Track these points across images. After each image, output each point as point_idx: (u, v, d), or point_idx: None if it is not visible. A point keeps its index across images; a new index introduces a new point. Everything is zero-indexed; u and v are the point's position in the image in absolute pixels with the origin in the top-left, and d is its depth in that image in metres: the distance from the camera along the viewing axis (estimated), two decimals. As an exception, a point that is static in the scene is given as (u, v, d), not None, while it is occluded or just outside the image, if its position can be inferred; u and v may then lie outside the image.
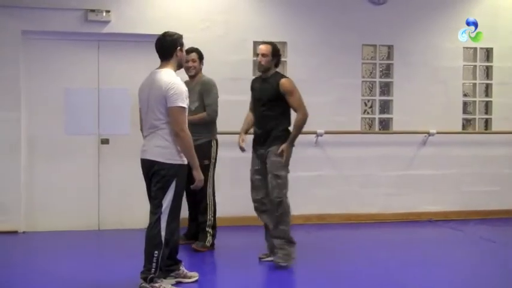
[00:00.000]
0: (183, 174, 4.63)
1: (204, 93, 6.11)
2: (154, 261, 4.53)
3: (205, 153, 6.05)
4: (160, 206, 4.56)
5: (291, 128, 5.54)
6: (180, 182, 4.60)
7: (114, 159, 7.25)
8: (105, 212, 7.31)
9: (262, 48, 5.54)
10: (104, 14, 7.14)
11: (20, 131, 7.08)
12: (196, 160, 4.66)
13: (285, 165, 5.42)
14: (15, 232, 7.02)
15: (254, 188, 5.60)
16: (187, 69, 6.09)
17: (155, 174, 4.61)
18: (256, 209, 5.62)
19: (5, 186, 7.00)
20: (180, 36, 4.75)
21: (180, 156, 4.60)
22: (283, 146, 5.36)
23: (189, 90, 5.68)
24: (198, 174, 4.68)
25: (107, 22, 7.19)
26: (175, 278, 4.92)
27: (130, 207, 7.22)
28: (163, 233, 4.54)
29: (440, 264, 5.77)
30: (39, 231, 7.09)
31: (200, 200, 6.12)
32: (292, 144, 5.44)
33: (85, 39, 7.27)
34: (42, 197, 7.18)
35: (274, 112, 5.46)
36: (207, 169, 6.03)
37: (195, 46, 6.25)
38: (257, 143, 5.59)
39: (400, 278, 5.26)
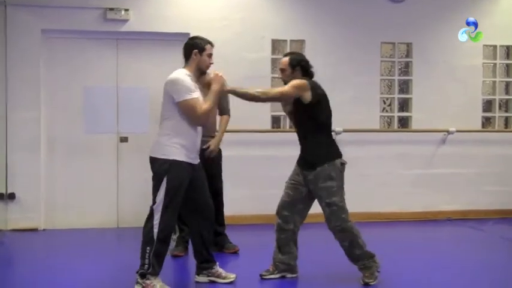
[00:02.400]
0: (177, 171, 4.55)
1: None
2: (147, 257, 4.54)
3: (220, 154, 6.02)
4: (154, 202, 4.59)
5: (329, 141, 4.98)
6: (172, 179, 4.54)
7: (133, 157, 7.28)
8: (124, 209, 7.36)
9: (280, 63, 5.03)
10: (123, 12, 7.17)
11: (40, 130, 7.15)
12: (215, 95, 4.69)
13: (338, 189, 4.82)
14: (36, 229, 7.10)
15: (286, 203, 5.01)
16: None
17: (153, 171, 4.66)
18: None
19: (25, 184, 7.07)
20: (202, 42, 4.77)
21: (174, 152, 4.56)
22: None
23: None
24: (214, 84, 4.72)
25: (125, 21, 7.22)
26: (208, 276, 4.94)
27: (149, 205, 7.24)
28: (155, 230, 4.54)
29: (463, 264, 5.72)
30: (59, 228, 7.16)
31: (218, 204, 5.88)
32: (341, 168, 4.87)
33: (104, 38, 7.32)
34: (62, 194, 7.24)
35: (307, 128, 4.90)
36: (220, 172, 6.02)
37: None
38: (301, 166, 4.97)
39: (422, 278, 5.23)
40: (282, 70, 4.99)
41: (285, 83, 4.93)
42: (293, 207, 5.00)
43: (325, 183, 4.80)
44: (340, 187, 4.87)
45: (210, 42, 4.84)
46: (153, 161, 4.63)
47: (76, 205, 7.24)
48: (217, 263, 5.01)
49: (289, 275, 5.11)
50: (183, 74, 4.63)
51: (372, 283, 4.88)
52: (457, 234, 7.35)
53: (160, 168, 4.56)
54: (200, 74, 4.81)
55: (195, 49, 4.72)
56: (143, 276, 4.56)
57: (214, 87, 4.69)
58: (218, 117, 6.05)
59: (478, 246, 6.61)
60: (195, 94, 4.57)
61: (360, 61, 7.80)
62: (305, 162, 4.92)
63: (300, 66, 4.95)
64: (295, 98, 4.83)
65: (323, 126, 4.96)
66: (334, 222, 4.82)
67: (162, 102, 4.70)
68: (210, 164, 5.74)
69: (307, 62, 5.02)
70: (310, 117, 4.87)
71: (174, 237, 5.95)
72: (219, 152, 5.99)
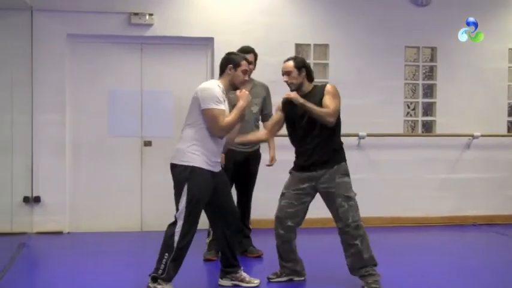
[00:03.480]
0: (197, 178, 4.56)
1: (267, 98, 5.98)
2: (163, 262, 4.55)
3: (259, 160, 6.06)
4: (177, 210, 4.60)
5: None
6: (193, 186, 4.54)
7: (157, 161, 7.29)
8: (147, 213, 7.39)
9: (284, 66, 4.96)
10: (147, 17, 7.22)
11: (65, 133, 7.21)
12: (240, 111, 4.67)
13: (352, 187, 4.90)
14: (61, 232, 7.16)
15: (290, 213, 4.96)
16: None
17: (173, 178, 4.68)
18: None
19: (50, 187, 7.13)
20: (238, 57, 4.80)
21: (194, 159, 4.57)
22: None
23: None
24: (241, 101, 4.71)
25: (150, 25, 7.26)
26: (232, 280, 4.94)
27: (173, 209, 7.22)
28: (176, 238, 4.54)
29: (488, 270, 5.64)
30: (83, 231, 7.21)
31: (246, 211, 6.03)
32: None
33: (128, 42, 7.37)
34: (86, 198, 7.29)
35: (326, 131, 4.83)
36: (256, 177, 6.07)
37: (236, 48, 5.84)
38: (303, 168, 4.94)
39: (445, 283, 5.18)
40: (288, 73, 4.92)
41: (291, 86, 4.93)
42: (296, 217, 4.99)
43: (343, 178, 4.85)
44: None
45: (246, 59, 4.86)
46: (173, 167, 4.65)
47: (100, 208, 7.29)
48: (242, 268, 5.01)
49: (296, 278, 5.13)
50: (214, 84, 4.69)
51: None
52: (481, 239, 7.28)
53: (181, 175, 4.57)
54: (233, 88, 4.82)
55: (230, 64, 4.75)
56: (155, 280, 4.57)
57: (241, 103, 4.70)
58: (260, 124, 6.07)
59: (502, 252, 6.53)
60: (221, 105, 4.59)
61: (383, 65, 7.77)
62: (319, 163, 4.86)
63: (305, 67, 4.95)
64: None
65: (339, 129, 4.99)
66: (352, 217, 4.77)
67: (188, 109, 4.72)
68: (253, 163, 5.96)
69: (309, 66, 5.06)
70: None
71: (207, 240, 5.96)
72: (259, 155, 6.05)
